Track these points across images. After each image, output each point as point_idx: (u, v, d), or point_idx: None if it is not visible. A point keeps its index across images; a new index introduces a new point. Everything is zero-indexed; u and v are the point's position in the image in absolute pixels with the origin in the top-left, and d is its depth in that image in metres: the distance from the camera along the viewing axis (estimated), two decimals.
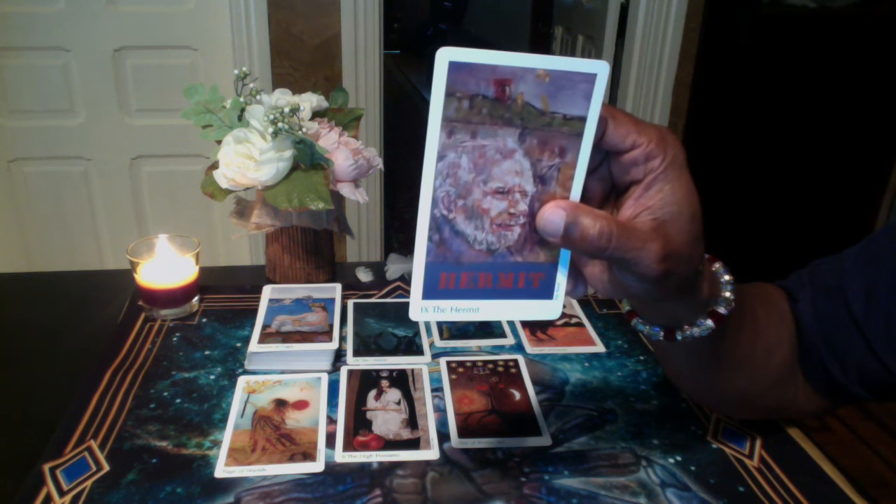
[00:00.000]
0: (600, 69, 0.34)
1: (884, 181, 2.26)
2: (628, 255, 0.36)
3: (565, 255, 0.39)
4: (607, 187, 0.40)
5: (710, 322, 0.44)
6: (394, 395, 0.64)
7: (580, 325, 0.78)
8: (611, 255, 0.36)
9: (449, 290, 0.37)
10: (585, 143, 0.35)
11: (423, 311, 0.38)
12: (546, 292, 0.39)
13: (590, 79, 0.34)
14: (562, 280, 0.39)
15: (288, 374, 0.66)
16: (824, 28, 2.18)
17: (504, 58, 0.32)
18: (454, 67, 0.32)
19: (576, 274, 0.40)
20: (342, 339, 0.72)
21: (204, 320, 0.76)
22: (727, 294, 0.45)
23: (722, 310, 0.44)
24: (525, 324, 0.77)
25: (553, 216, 0.36)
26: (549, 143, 0.35)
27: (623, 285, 0.39)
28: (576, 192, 0.37)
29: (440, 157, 0.34)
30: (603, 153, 0.38)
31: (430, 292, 0.37)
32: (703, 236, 0.39)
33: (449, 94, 0.33)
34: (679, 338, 0.45)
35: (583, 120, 0.35)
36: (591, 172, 0.38)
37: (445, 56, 0.32)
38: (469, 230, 0.36)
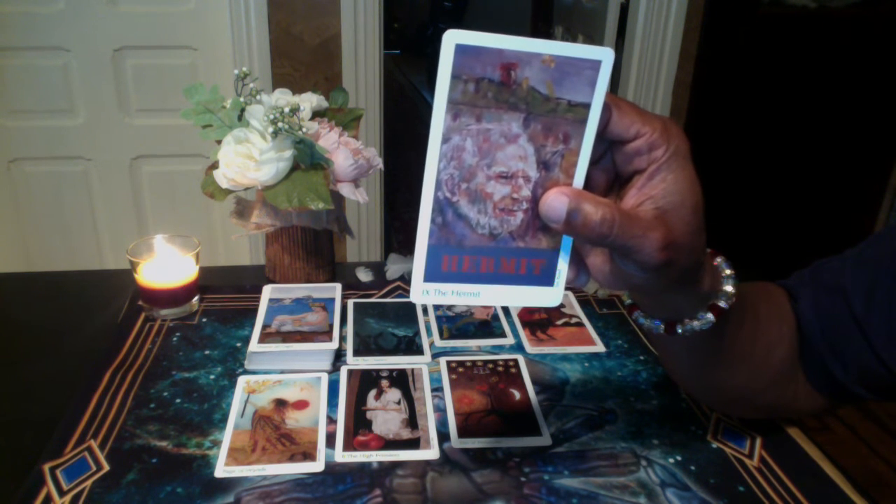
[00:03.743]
0: (605, 56, 0.34)
1: (884, 181, 2.26)
2: (630, 243, 0.36)
3: (567, 243, 0.38)
4: (611, 177, 0.40)
5: (710, 316, 0.44)
6: (394, 394, 0.64)
7: (580, 324, 0.78)
8: (612, 242, 0.36)
9: (451, 272, 0.37)
10: (589, 130, 0.35)
11: (425, 293, 0.38)
12: (547, 279, 0.39)
13: (595, 66, 0.34)
14: (563, 267, 0.39)
15: (288, 373, 0.66)
16: (824, 28, 2.18)
17: (510, 42, 0.32)
18: (460, 50, 0.32)
19: (578, 263, 0.40)
20: (342, 338, 0.72)
21: (204, 320, 0.76)
22: (728, 288, 0.44)
23: (723, 304, 0.44)
24: (525, 323, 0.77)
25: (556, 202, 0.36)
26: (554, 129, 0.35)
27: (624, 275, 0.39)
28: (579, 178, 0.37)
29: (445, 140, 0.34)
30: (607, 143, 0.38)
31: (431, 274, 0.37)
32: (704, 228, 0.39)
33: (455, 77, 0.33)
34: (679, 331, 0.45)
35: (587, 107, 0.35)
36: (594, 162, 0.38)
37: (452, 38, 0.32)
38: (472, 214, 0.36)
